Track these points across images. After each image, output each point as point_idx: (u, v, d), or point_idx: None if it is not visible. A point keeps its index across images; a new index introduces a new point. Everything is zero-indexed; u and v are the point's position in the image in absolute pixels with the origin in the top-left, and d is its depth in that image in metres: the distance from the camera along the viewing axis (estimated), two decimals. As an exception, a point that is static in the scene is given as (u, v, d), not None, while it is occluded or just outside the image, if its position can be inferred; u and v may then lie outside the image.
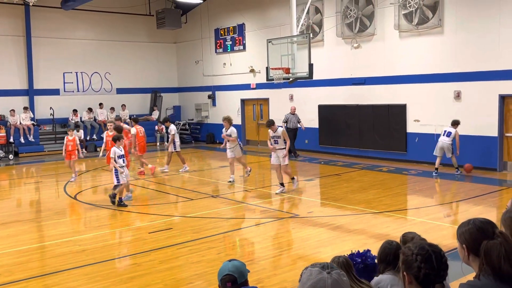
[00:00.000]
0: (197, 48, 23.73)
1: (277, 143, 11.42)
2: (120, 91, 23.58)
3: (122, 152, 10.51)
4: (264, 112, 20.96)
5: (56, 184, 13.95)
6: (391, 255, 3.64)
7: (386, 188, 11.79)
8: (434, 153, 13.14)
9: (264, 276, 6.24)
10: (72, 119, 21.29)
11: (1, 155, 18.93)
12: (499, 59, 13.04)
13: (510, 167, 13.44)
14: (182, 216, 9.59)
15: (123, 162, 10.49)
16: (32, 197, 12.65)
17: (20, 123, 20.01)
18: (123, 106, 22.89)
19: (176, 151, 14.85)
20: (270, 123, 11.58)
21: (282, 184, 11.40)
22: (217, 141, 22.88)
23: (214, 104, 23.27)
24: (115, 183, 10.41)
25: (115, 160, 10.30)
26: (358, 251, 3.89)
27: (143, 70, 24.21)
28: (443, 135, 12.93)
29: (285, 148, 11.35)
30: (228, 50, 21.90)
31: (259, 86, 20.35)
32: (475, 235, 2.40)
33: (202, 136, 23.95)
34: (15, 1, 16.51)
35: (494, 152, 13.42)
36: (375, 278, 3.66)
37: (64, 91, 22.17)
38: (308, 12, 17.01)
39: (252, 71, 20.57)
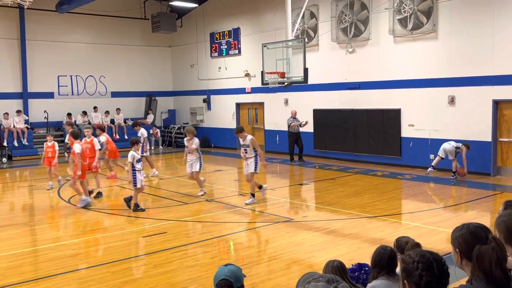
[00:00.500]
0: (192, 52, 23.74)
1: (246, 152, 10.72)
2: (115, 94, 23.53)
3: (139, 156, 10.50)
4: (259, 116, 20.97)
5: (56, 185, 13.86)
6: (385, 260, 3.65)
7: (381, 192, 11.81)
8: (438, 154, 13.25)
9: (258, 280, 6.23)
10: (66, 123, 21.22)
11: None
12: (493, 64, 13.13)
13: (504, 172, 13.50)
14: (176, 220, 9.57)
15: (141, 166, 10.46)
16: (26, 200, 12.58)
17: (14, 126, 19.92)
18: (118, 110, 22.83)
19: (144, 156, 14.76)
20: (238, 130, 10.90)
21: (253, 195, 10.83)
22: (212, 145, 22.89)
23: (209, 108, 23.27)
24: (133, 187, 10.37)
25: (133, 164, 10.24)
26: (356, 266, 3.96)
27: (138, 73, 24.18)
28: (451, 140, 13.30)
29: (254, 156, 10.63)
30: (224, 54, 21.92)
31: (254, 90, 20.36)
32: (468, 239, 2.41)
33: (197, 140, 23.89)
34: (9, 4, 16.43)
35: (488, 157, 13.48)
36: (369, 285, 3.67)
37: (59, 94, 22.09)
38: (303, 17, 17.08)
39: (247, 75, 20.58)
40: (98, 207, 10.91)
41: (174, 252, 7.52)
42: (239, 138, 10.89)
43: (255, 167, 10.65)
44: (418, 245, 3.68)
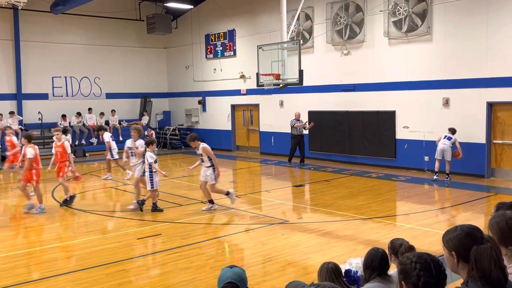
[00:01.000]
0: (187, 54, 23.72)
1: (203, 162, 10.20)
2: (109, 96, 23.47)
3: (155, 157, 10.38)
4: (254, 117, 20.97)
5: (43, 189, 13.78)
6: (376, 262, 3.65)
7: (375, 194, 11.84)
8: (435, 157, 13.27)
9: (254, 282, 6.22)
10: (60, 124, 21.13)
11: (-12, 160, 18.70)
12: (487, 66, 13.19)
13: (498, 173, 13.56)
14: (170, 222, 9.54)
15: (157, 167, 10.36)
16: (19, 202, 12.50)
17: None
18: (113, 111, 22.77)
19: (114, 159, 14.70)
20: (191, 138, 10.22)
21: (210, 201, 10.41)
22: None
23: (204, 109, 23.25)
24: (149, 188, 10.27)
25: (150, 165, 10.16)
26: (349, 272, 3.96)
27: (133, 75, 24.13)
28: (444, 138, 13.19)
29: (210, 166, 10.12)
30: (219, 56, 21.91)
31: (250, 92, 20.36)
32: (464, 240, 2.39)
33: (192, 142, 23.85)
34: (3, 5, 16.38)
35: (482, 159, 13.54)
36: (362, 288, 3.67)
37: (53, 95, 22.01)
38: (298, 19, 17.10)
39: (242, 77, 20.59)
40: (92, 209, 10.85)
41: (169, 254, 7.50)
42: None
43: (215, 178, 10.17)
44: (412, 248, 3.69)
